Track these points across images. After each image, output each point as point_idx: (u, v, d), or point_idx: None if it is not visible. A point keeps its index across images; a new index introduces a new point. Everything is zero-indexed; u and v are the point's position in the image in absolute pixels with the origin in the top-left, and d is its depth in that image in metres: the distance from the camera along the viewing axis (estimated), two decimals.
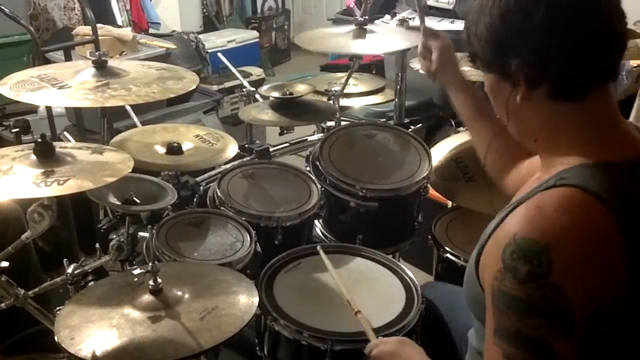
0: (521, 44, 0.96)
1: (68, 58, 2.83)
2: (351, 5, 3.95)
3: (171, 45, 3.93)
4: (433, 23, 4.01)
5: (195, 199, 1.96)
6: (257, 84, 3.68)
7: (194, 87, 1.68)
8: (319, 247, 1.70)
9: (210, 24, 6.02)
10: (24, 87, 1.56)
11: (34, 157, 1.39)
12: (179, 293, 1.36)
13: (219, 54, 2.87)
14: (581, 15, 0.94)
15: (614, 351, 0.97)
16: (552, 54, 0.95)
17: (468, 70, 2.12)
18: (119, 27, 4.35)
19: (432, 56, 1.61)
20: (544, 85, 0.98)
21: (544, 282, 0.88)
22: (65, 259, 1.62)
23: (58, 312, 1.38)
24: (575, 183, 0.94)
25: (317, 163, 2.03)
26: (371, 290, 1.67)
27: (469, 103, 1.56)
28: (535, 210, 0.93)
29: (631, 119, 2.61)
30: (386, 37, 2.21)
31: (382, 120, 2.70)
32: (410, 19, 2.51)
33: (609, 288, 0.91)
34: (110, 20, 4.63)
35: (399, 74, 2.48)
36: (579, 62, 0.95)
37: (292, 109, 2.15)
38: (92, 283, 1.60)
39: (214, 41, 5.23)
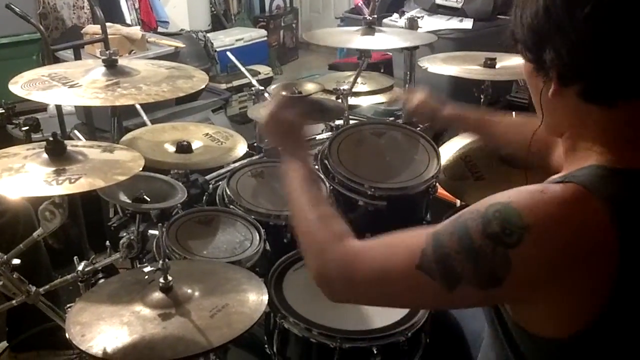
0: (559, 40, 0.94)
1: (77, 57, 2.85)
2: (359, 4, 3.94)
3: (180, 44, 3.94)
4: (442, 22, 4.01)
5: (204, 197, 1.97)
6: (265, 82, 3.70)
7: (204, 86, 1.68)
8: None
9: (218, 22, 6.03)
10: (35, 86, 1.57)
11: (45, 155, 1.40)
12: (189, 291, 1.36)
13: (228, 53, 2.88)
14: (625, 24, 0.91)
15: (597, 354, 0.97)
16: (589, 56, 0.93)
17: (480, 69, 2.13)
18: (128, 25, 4.36)
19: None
20: (577, 85, 0.97)
21: (502, 251, 0.90)
22: (75, 257, 1.63)
23: (69, 309, 1.39)
24: (583, 182, 0.93)
25: (326, 162, 2.03)
26: None
27: (472, 127, 1.72)
28: (537, 192, 0.93)
29: None
30: (394, 36, 2.21)
31: (391, 119, 2.69)
32: (418, 17, 2.51)
33: (581, 293, 0.90)
34: (119, 19, 4.64)
35: (408, 72, 2.48)
36: (615, 70, 0.93)
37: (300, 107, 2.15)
38: (102, 280, 1.61)
39: (222, 40, 5.24)
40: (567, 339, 0.93)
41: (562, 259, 0.89)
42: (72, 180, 1.32)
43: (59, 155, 1.40)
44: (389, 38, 2.20)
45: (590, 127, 1.00)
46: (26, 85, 1.58)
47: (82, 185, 1.32)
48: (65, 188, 1.31)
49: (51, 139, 1.40)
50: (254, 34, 5.66)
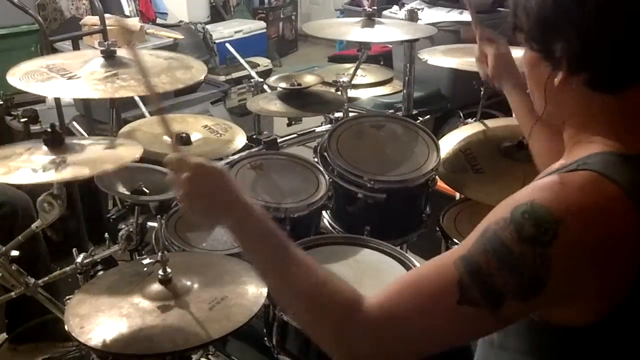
0: (570, 29, 0.93)
1: (76, 48, 2.84)
2: None
3: (179, 36, 3.93)
4: (442, 14, 3.99)
5: None
6: (265, 74, 3.68)
7: (203, 77, 1.67)
8: None
9: (217, 14, 6.01)
10: (34, 77, 1.56)
11: (44, 147, 1.39)
12: (188, 283, 1.36)
13: (227, 45, 2.87)
14: (637, 10, 0.90)
15: (615, 345, 0.97)
16: (600, 44, 0.92)
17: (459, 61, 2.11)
18: (127, 17, 4.35)
19: (488, 62, 1.59)
20: (584, 73, 0.96)
21: (541, 251, 0.87)
22: (74, 249, 1.63)
23: (68, 301, 1.38)
24: (598, 169, 0.93)
25: (325, 154, 2.03)
26: (378, 281, 1.67)
27: (523, 108, 1.54)
28: (558, 185, 0.92)
29: None
30: (394, 28, 2.20)
31: (390, 111, 2.69)
32: (418, 9, 2.49)
33: (611, 279, 0.90)
34: (117, 10, 4.63)
35: (407, 65, 2.48)
36: (626, 57, 0.93)
37: (300, 100, 2.15)
38: (101, 272, 1.61)
39: (222, 32, 5.22)
40: (590, 326, 0.93)
41: (596, 244, 0.88)
42: (58, 169, 1.30)
43: (57, 146, 1.39)
44: (388, 30, 2.19)
45: (595, 116, 1.00)
46: (24, 76, 1.57)
47: (74, 172, 1.30)
48: (63, 174, 1.30)
49: (49, 130, 1.40)
50: (253, 26, 5.64)
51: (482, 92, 2.27)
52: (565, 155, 1.06)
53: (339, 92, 2.39)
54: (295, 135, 2.45)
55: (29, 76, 1.57)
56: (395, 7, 4.23)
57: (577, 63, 0.95)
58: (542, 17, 0.97)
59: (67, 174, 1.30)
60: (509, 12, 1.05)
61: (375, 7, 2.16)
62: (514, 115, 1.59)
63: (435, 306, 0.92)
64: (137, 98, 2.20)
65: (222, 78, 4.57)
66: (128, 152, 1.46)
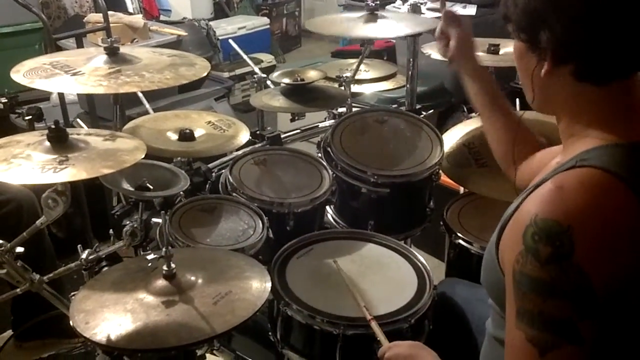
0: (555, 19, 0.94)
1: (80, 45, 2.84)
2: None
3: (182, 32, 3.92)
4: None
5: (207, 185, 1.97)
6: (268, 70, 3.69)
7: (206, 73, 1.67)
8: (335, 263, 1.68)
9: (220, 10, 6.01)
10: (37, 74, 1.56)
11: (47, 143, 1.39)
12: (193, 278, 1.37)
13: (230, 41, 2.87)
14: (623, 2, 0.91)
15: (634, 332, 0.97)
16: (585, 34, 0.93)
17: (483, 56, 2.12)
18: (130, 14, 4.35)
19: (450, 42, 1.58)
20: (570, 64, 0.97)
21: (567, 263, 0.87)
22: (79, 245, 1.63)
23: (73, 297, 1.39)
24: (595, 164, 0.93)
25: (329, 149, 2.03)
26: (383, 276, 1.67)
27: (483, 92, 1.55)
28: (556, 191, 0.92)
29: None
30: (397, 22, 2.19)
31: (394, 106, 2.68)
32: (422, 3, 2.49)
33: (629, 266, 0.90)
34: (121, 7, 4.63)
35: (411, 59, 2.47)
36: (611, 49, 0.93)
37: (303, 95, 2.15)
38: (106, 268, 1.61)
39: (225, 28, 5.22)
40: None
41: (610, 234, 0.89)
42: (57, 170, 1.30)
43: (61, 143, 1.40)
44: (391, 25, 2.18)
45: (585, 107, 1.00)
46: (28, 73, 1.57)
47: (75, 174, 1.30)
48: (66, 175, 1.30)
49: (53, 127, 1.40)
50: (257, 22, 5.64)
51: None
52: (563, 151, 1.07)
53: (342, 88, 2.38)
54: (298, 130, 2.45)
55: (32, 73, 1.58)
56: (398, 2, 4.22)
57: (561, 53, 0.96)
58: (529, 8, 0.98)
59: (70, 175, 1.30)
60: (502, 3, 1.05)
61: (379, 2, 2.15)
62: (471, 99, 1.59)
63: None
64: (140, 94, 2.20)
65: (226, 74, 4.58)
66: (132, 151, 1.46)
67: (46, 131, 1.40)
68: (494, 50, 2.17)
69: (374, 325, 1.44)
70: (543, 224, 0.89)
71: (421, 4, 2.46)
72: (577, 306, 0.88)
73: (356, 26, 2.10)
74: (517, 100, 2.15)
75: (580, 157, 0.96)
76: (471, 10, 3.95)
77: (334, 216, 2.10)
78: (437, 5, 1.69)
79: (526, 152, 1.45)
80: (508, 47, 2.17)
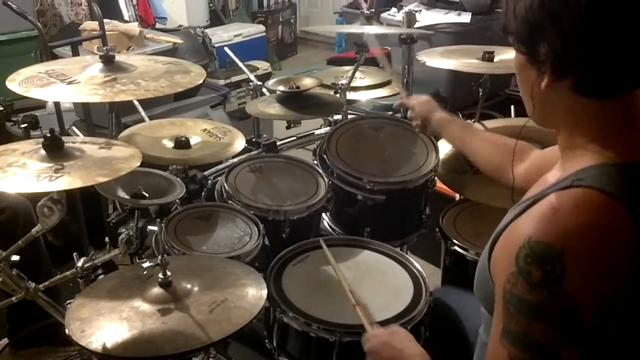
0: (554, 32, 0.94)
1: (75, 53, 2.84)
2: None
3: (178, 40, 3.93)
4: (440, 15, 4.00)
5: (203, 193, 1.97)
6: (264, 78, 3.70)
7: (202, 80, 1.68)
8: (321, 241, 1.71)
9: (216, 18, 6.02)
10: (33, 83, 1.57)
11: (43, 151, 1.39)
12: (188, 286, 1.36)
13: (226, 49, 2.87)
14: (623, 18, 0.90)
15: (618, 352, 0.97)
16: (584, 49, 0.92)
17: (478, 63, 2.13)
18: (126, 22, 4.36)
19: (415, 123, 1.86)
20: (570, 78, 0.96)
21: (556, 288, 0.87)
22: (75, 253, 1.63)
23: (68, 305, 1.39)
24: (592, 184, 0.92)
25: (325, 156, 2.03)
26: (379, 282, 1.67)
27: (457, 133, 1.77)
28: (551, 212, 0.91)
29: None
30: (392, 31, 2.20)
31: (389, 113, 2.69)
32: (417, 11, 2.50)
33: (620, 290, 0.90)
34: (117, 15, 4.64)
35: (406, 66, 2.48)
36: (610, 64, 0.93)
37: (299, 102, 2.15)
38: (101, 276, 1.61)
39: (221, 35, 5.23)
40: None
41: (603, 257, 0.88)
42: (52, 179, 1.30)
43: (56, 151, 1.40)
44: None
45: (584, 122, 1.00)
46: (24, 82, 1.57)
47: (71, 182, 1.30)
48: (62, 184, 1.30)
49: (48, 135, 1.40)
50: (252, 30, 5.66)
51: (480, 94, 2.27)
52: (560, 165, 1.06)
53: (338, 95, 2.39)
54: (294, 138, 2.46)
55: (28, 81, 1.58)
56: (393, 10, 4.23)
57: (560, 67, 0.95)
58: (528, 20, 0.97)
59: (66, 183, 1.30)
60: (502, 15, 1.06)
61: (374, 10, 2.16)
62: (453, 145, 1.90)
63: None
64: (136, 102, 2.20)
65: (222, 82, 4.58)
66: (127, 159, 1.46)
67: (41, 139, 1.40)
68: (488, 57, 2.17)
69: (358, 310, 1.46)
70: (536, 246, 0.89)
71: (416, 11, 2.46)
72: (561, 332, 0.88)
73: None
74: (512, 107, 2.16)
75: (577, 175, 0.96)
76: (466, 17, 3.96)
77: (330, 223, 2.10)
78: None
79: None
80: (502, 55, 2.19)
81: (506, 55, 2.17)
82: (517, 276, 0.91)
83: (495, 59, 2.19)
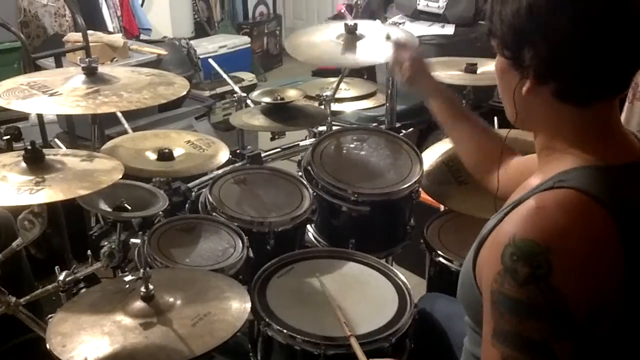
0: (541, 39, 0.95)
1: (59, 65, 2.83)
2: (342, 10, 3.95)
3: (162, 52, 3.92)
4: (424, 28, 4.02)
5: (187, 205, 1.96)
6: (250, 89, 3.70)
7: (185, 92, 1.67)
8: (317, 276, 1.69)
9: (201, 29, 6.02)
10: (15, 94, 1.55)
11: (24, 164, 1.38)
12: (171, 299, 1.35)
13: (210, 60, 2.87)
14: (608, 27, 0.92)
15: (610, 352, 0.97)
16: (569, 56, 0.94)
17: (461, 74, 2.14)
18: (110, 33, 4.34)
19: (403, 66, 1.67)
20: (552, 84, 0.98)
21: (544, 284, 0.87)
22: (57, 266, 1.61)
23: (50, 319, 1.37)
24: (573, 185, 0.94)
25: (309, 168, 2.03)
26: (364, 294, 1.67)
27: (445, 106, 1.61)
28: (535, 211, 0.93)
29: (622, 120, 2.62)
30: (377, 43, 2.20)
31: (374, 124, 2.70)
32: (400, 23, 2.51)
33: (607, 289, 0.91)
34: (101, 26, 4.61)
35: (390, 78, 2.49)
36: (593, 72, 0.94)
37: (283, 114, 2.15)
38: (83, 290, 1.59)
39: (206, 47, 5.22)
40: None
41: (588, 256, 0.89)
42: (33, 192, 1.29)
43: (37, 164, 1.38)
44: (371, 47, 2.16)
45: (565, 127, 1.01)
46: (6, 94, 1.56)
47: (52, 195, 1.29)
48: (42, 197, 1.29)
49: (29, 147, 1.39)
50: (238, 41, 5.65)
51: (463, 104, 2.28)
52: (539, 169, 1.08)
53: (323, 106, 2.39)
54: (278, 149, 2.46)
55: (10, 93, 1.56)
56: (377, 22, 4.25)
57: (544, 72, 0.97)
58: (515, 25, 0.98)
59: (47, 196, 1.28)
60: (486, 17, 1.06)
61: (357, 22, 2.16)
62: (436, 116, 1.66)
63: None
64: (119, 114, 2.19)
65: (207, 93, 4.57)
66: (109, 171, 1.45)
67: (22, 152, 1.39)
68: (471, 69, 2.19)
69: (353, 341, 1.43)
70: (522, 243, 0.90)
71: (400, 24, 2.47)
72: (553, 327, 0.88)
73: (335, 51, 2.10)
74: (495, 118, 2.17)
75: (558, 177, 0.97)
76: (449, 29, 3.99)
77: (314, 235, 2.10)
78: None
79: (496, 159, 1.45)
80: (486, 66, 2.20)
81: (489, 67, 2.19)
82: (503, 275, 0.91)
83: (479, 71, 2.20)
